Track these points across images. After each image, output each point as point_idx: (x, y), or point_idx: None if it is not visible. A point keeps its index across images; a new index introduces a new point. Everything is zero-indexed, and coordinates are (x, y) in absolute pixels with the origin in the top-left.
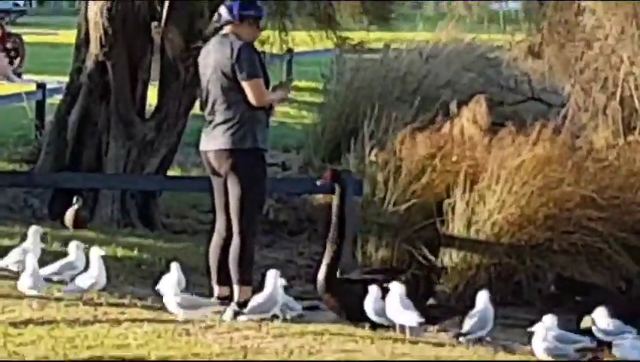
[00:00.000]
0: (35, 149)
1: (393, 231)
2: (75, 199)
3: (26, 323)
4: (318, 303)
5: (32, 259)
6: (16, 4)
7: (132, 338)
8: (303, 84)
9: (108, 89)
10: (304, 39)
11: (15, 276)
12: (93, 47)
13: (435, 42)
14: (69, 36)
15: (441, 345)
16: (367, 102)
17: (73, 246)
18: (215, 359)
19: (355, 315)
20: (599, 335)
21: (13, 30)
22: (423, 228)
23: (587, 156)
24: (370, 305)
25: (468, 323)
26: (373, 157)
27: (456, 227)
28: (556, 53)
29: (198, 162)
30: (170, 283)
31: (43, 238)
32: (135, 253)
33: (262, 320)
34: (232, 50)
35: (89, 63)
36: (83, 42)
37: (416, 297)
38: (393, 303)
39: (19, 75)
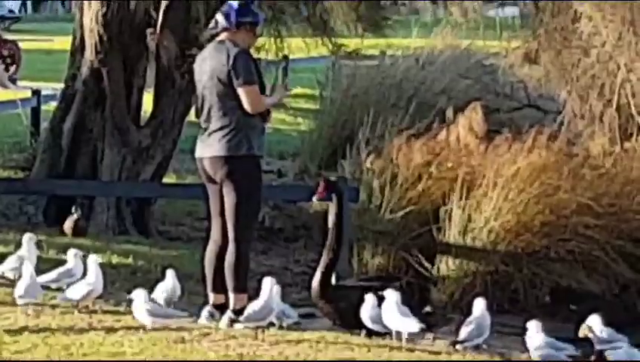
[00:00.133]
0: (30, 156)
1: (389, 239)
2: (73, 209)
3: (22, 330)
4: (314, 311)
5: (29, 266)
6: (11, 11)
7: (127, 346)
8: (298, 90)
9: (103, 96)
10: (300, 45)
11: (11, 283)
12: (89, 54)
13: (431, 49)
14: (64, 43)
15: (438, 352)
16: (363, 109)
17: (71, 254)
18: None
19: (350, 322)
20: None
21: (9, 37)
22: (420, 235)
23: (584, 163)
24: (366, 312)
25: (465, 331)
26: (369, 164)
27: (452, 234)
28: (553, 60)
29: (193, 169)
30: (141, 292)
31: (38, 246)
32: (130, 260)
33: (258, 327)
34: (229, 56)
35: (84, 70)
36: (78, 49)
37: (411, 304)
38: (390, 310)
39: (14, 82)
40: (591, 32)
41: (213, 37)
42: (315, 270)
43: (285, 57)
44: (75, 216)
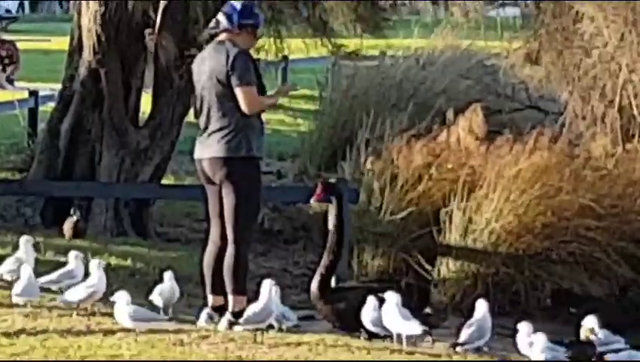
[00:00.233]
0: (27, 157)
1: (389, 240)
2: (72, 210)
3: (19, 333)
4: (314, 313)
5: (28, 268)
6: (8, 11)
7: (125, 349)
8: (298, 91)
9: (101, 96)
10: (299, 46)
11: (8, 285)
12: (87, 54)
13: (432, 49)
14: (62, 43)
15: (438, 355)
16: (363, 110)
17: (72, 256)
18: None
19: (349, 323)
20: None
21: (6, 37)
22: (420, 237)
23: (585, 164)
24: (367, 315)
25: (465, 333)
26: (369, 166)
27: (453, 236)
28: (554, 61)
29: (192, 170)
30: (123, 294)
31: (36, 247)
32: (128, 262)
33: (257, 330)
34: (228, 57)
35: (82, 70)
36: (76, 49)
37: (411, 306)
38: (391, 313)
39: (11, 82)
40: (593, 33)
41: (212, 37)
42: (314, 272)
43: (285, 58)
44: (74, 218)
